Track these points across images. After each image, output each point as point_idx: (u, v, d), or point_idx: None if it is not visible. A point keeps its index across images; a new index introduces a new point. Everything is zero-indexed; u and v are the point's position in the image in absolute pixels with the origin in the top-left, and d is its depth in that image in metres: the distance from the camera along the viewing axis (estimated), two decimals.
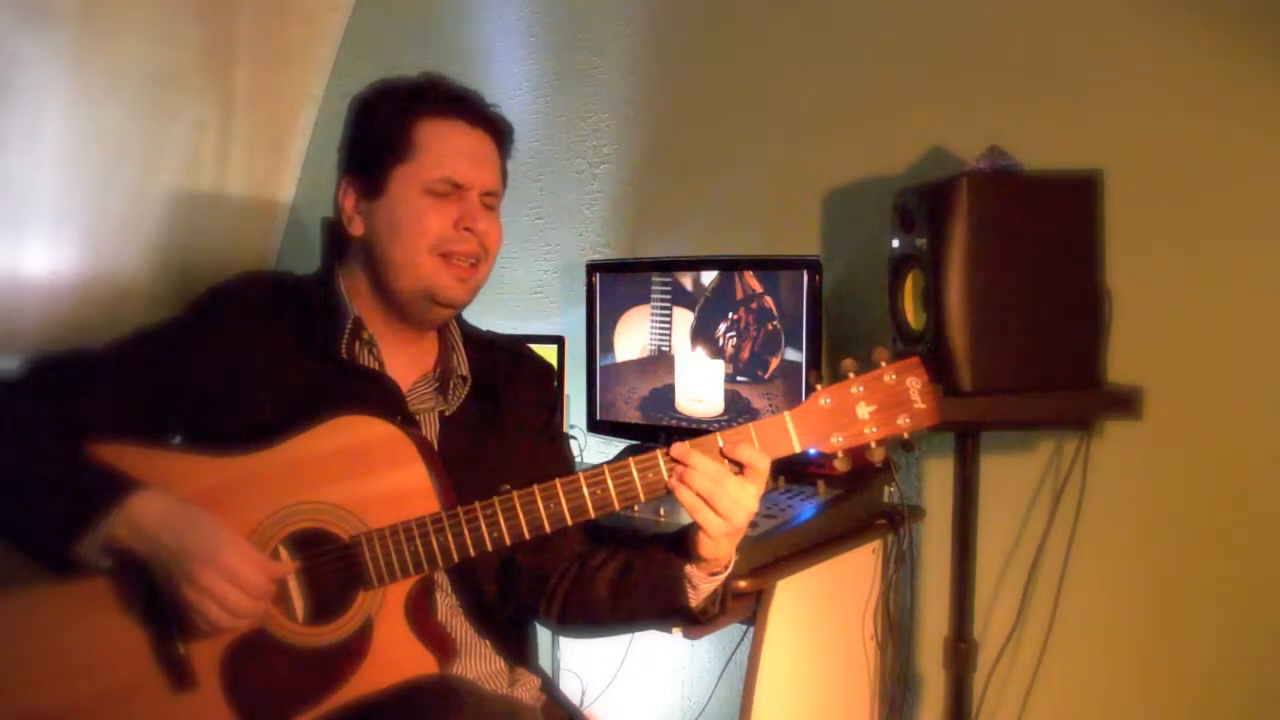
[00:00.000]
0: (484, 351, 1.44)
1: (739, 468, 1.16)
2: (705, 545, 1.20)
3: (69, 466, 1.19)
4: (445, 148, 1.31)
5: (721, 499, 1.15)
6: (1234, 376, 1.66)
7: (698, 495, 1.15)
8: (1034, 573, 1.81)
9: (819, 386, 1.16)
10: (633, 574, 1.31)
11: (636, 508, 1.27)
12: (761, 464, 1.16)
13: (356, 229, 1.33)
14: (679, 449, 1.16)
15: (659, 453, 1.17)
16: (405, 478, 1.21)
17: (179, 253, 2.70)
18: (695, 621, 1.30)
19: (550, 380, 1.52)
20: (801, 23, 2.10)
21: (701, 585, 1.25)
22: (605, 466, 1.19)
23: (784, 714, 1.65)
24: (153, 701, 1.18)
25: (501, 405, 1.41)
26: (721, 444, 1.16)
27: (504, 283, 2.55)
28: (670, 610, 1.28)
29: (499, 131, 1.37)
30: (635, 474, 1.18)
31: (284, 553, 1.20)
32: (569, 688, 2.32)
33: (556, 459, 1.46)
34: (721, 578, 1.26)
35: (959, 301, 1.53)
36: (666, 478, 1.17)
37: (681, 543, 1.26)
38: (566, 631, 1.43)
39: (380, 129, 1.31)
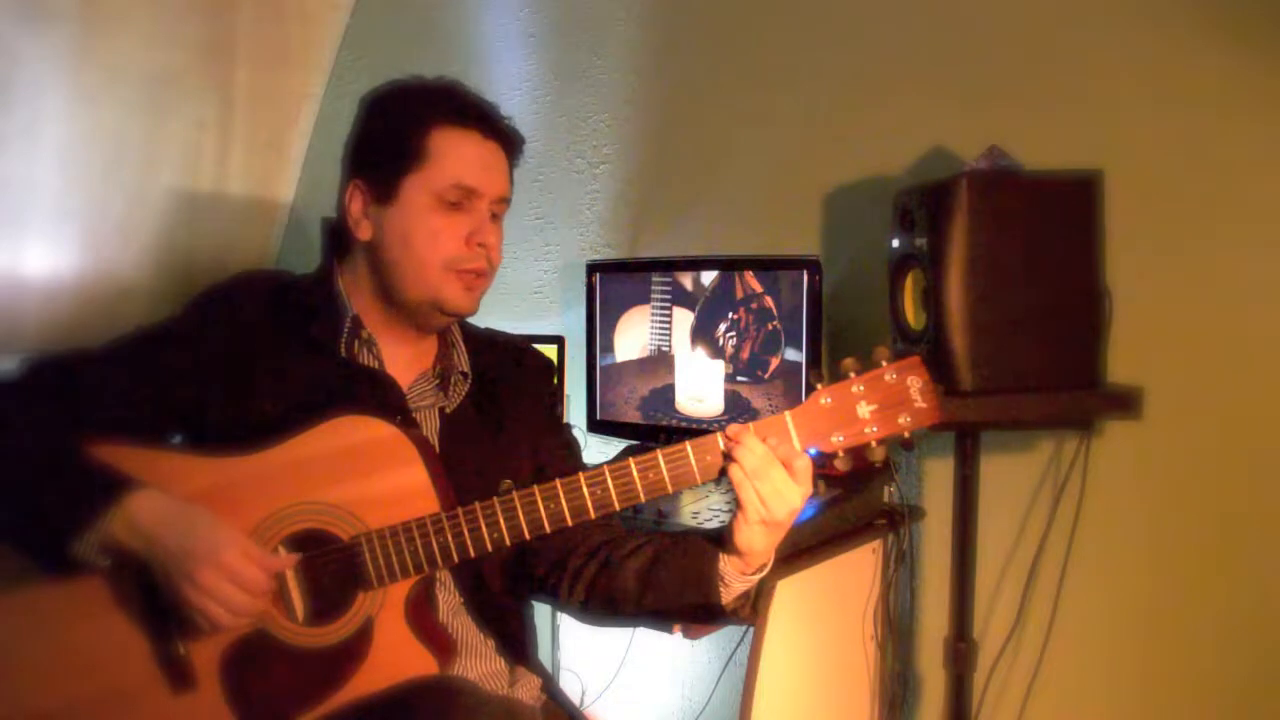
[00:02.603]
0: (483, 348, 1.44)
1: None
2: (741, 532, 1.18)
3: (68, 466, 1.19)
4: (459, 156, 1.30)
5: (765, 484, 1.14)
6: (1234, 376, 1.66)
7: (744, 473, 1.14)
8: (1034, 573, 1.81)
9: (819, 386, 1.16)
10: (664, 566, 1.28)
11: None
12: (799, 462, 1.15)
13: (364, 233, 1.32)
14: (734, 429, 1.16)
15: (718, 433, 1.17)
16: (405, 478, 1.21)
17: (179, 253, 2.70)
18: (724, 619, 1.28)
19: (549, 374, 1.52)
20: (801, 23, 2.10)
21: (735, 584, 1.23)
22: (605, 466, 1.19)
23: (784, 714, 1.65)
24: (151, 702, 1.18)
25: (502, 400, 1.41)
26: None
27: (504, 283, 2.53)
28: (700, 606, 1.25)
29: (511, 142, 1.37)
30: (635, 474, 1.17)
31: (283, 553, 1.20)
32: (569, 688, 2.32)
33: (562, 447, 1.45)
34: (756, 579, 1.24)
35: (959, 301, 1.53)
36: (721, 447, 1.16)
37: (717, 540, 1.24)
38: (587, 617, 1.41)
39: (394, 134, 1.30)
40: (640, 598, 1.29)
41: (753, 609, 1.28)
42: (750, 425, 1.16)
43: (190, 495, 1.18)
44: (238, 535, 1.15)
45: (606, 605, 1.33)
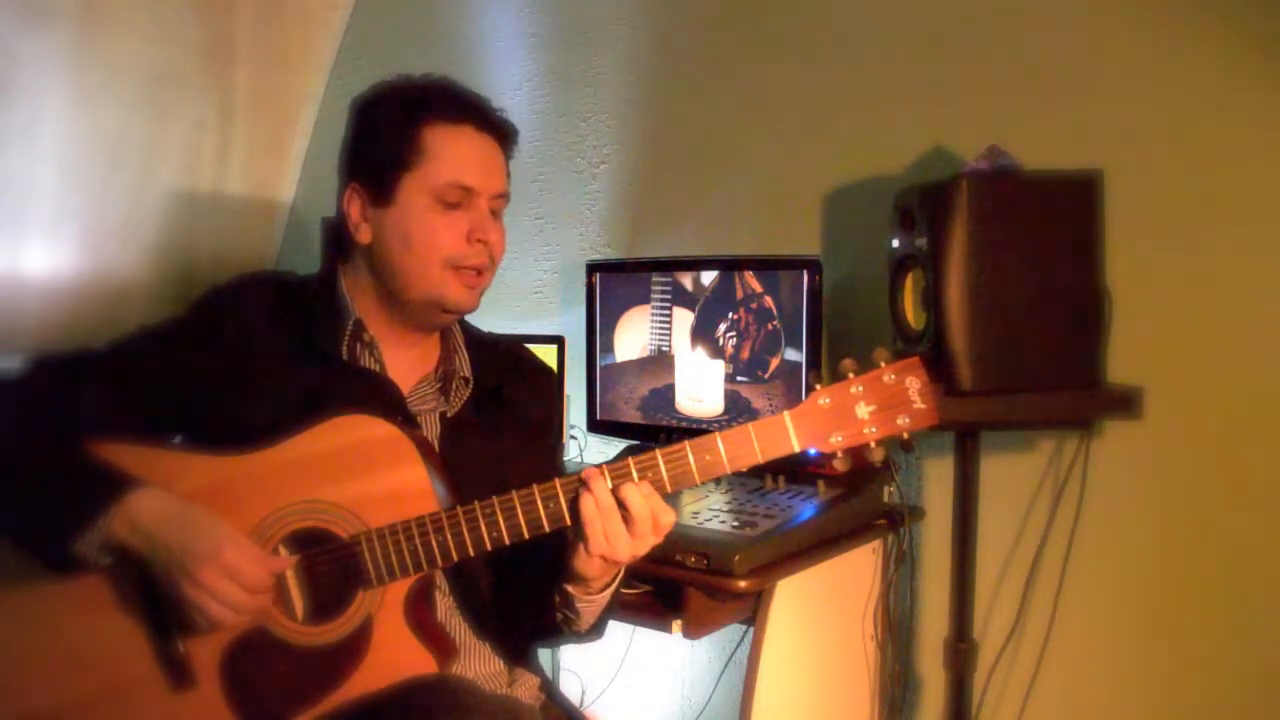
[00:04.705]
0: (486, 353, 1.43)
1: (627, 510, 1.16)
2: (580, 559, 1.20)
3: (70, 464, 1.19)
4: (454, 153, 1.30)
5: (608, 526, 1.16)
6: (1234, 376, 1.66)
7: (597, 510, 1.16)
8: (1034, 573, 1.81)
9: (818, 386, 1.16)
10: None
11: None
12: (640, 512, 1.15)
13: (364, 237, 1.32)
14: (590, 473, 1.17)
15: (578, 475, 1.18)
16: (405, 477, 1.21)
17: (179, 253, 2.70)
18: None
19: (550, 385, 1.52)
20: (801, 22, 2.10)
21: (585, 611, 1.28)
22: (605, 466, 1.18)
23: (784, 714, 1.65)
24: (151, 700, 1.18)
25: (503, 407, 1.41)
26: (611, 481, 1.16)
27: (504, 283, 2.54)
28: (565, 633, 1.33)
29: (505, 135, 1.36)
30: (634, 473, 1.17)
31: (284, 551, 1.20)
32: (569, 688, 2.32)
33: (550, 466, 1.46)
34: (609, 592, 1.28)
35: (959, 301, 1.53)
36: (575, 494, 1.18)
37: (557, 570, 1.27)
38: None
39: (387, 135, 1.30)
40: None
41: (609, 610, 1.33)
42: (600, 469, 1.17)
43: (191, 494, 1.18)
44: (238, 534, 1.16)
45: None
